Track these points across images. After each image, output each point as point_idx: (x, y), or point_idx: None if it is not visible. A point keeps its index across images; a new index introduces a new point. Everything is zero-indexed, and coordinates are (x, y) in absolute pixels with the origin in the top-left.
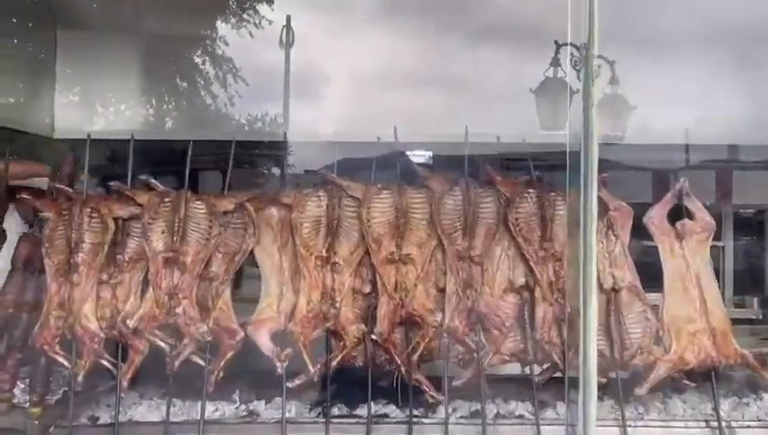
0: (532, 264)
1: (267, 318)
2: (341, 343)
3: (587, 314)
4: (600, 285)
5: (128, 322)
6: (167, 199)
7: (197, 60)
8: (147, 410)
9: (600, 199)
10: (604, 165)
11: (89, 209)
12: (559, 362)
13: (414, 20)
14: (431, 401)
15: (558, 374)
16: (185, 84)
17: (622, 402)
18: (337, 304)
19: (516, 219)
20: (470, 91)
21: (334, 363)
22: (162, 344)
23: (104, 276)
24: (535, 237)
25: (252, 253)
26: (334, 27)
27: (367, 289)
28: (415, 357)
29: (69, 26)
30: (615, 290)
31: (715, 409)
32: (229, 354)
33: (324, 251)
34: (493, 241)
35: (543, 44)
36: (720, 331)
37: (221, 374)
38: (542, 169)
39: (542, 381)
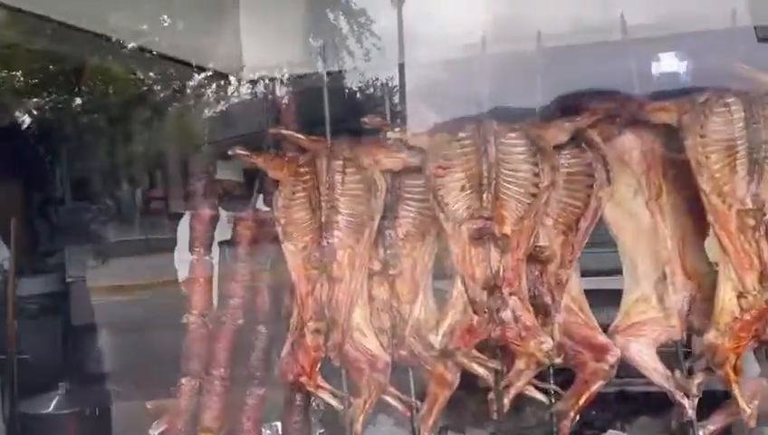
0: None
1: (646, 320)
2: None
3: None
4: None
5: (431, 338)
6: (462, 136)
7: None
8: None
9: None
10: None
11: (339, 162)
12: None
13: None
14: None
15: None
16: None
17: None
18: None
19: None
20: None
21: None
22: (482, 372)
23: (376, 265)
24: None
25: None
26: None
27: None
28: None
29: None
30: None
31: None
32: (596, 386)
33: (749, 200)
34: None
35: None
36: None
37: (576, 419)
38: None
39: None
